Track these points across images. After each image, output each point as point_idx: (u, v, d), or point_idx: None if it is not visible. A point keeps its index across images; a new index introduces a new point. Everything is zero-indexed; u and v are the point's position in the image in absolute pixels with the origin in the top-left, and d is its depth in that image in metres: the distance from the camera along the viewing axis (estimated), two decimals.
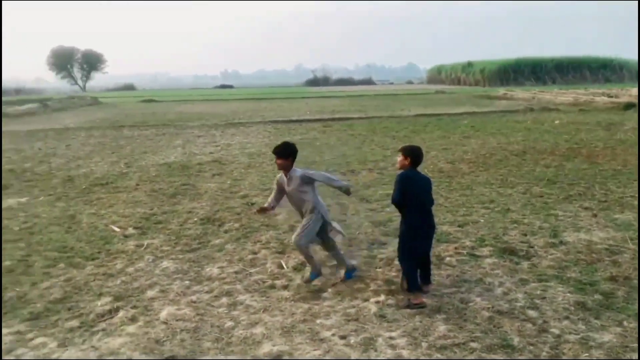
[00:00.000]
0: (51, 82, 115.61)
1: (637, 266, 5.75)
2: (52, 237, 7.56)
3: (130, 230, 7.76)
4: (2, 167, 13.56)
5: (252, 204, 9.05)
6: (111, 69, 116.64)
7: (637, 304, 4.86)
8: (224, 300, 5.23)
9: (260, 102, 44.56)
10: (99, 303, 5.28)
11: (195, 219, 8.29)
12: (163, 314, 4.95)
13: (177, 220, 8.30)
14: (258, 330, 4.56)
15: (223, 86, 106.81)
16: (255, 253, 6.64)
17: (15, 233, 7.78)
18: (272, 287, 5.54)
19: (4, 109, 36.29)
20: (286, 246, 6.75)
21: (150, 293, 5.50)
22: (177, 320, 4.83)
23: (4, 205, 9.60)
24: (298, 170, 5.47)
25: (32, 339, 4.58)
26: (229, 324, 4.71)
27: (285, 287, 5.53)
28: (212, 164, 13.40)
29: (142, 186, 11.00)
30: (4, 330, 4.73)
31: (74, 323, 4.87)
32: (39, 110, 39.61)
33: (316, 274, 5.53)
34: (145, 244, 7.14)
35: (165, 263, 6.38)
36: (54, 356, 4.29)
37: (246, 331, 4.55)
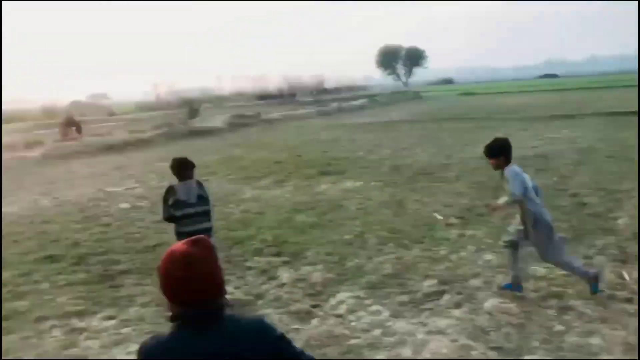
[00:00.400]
0: (377, 78, 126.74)
1: None
2: (382, 218, 8.33)
3: (453, 220, 8.00)
4: (330, 156, 15.50)
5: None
6: (431, 63, 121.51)
7: None
8: (553, 302, 4.96)
9: (592, 91, 40.51)
10: (425, 284, 5.62)
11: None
12: (487, 305, 5.00)
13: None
14: (595, 340, 4.20)
15: (546, 76, 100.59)
16: (589, 258, 6.10)
17: (353, 212, 8.83)
18: (612, 297, 5.00)
19: (341, 104, 41.43)
20: (629, 255, 6.01)
21: (474, 282, 5.60)
22: (502, 312, 4.81)
23: (342, 187, 10.99)
24: (515, 168, 4.91)
25: (369, 305, 5.17)
26: (559, 327, 4.46)
27: (628, 300, 4.92)
28: (535, 159, 12.78)
29: (463, 178, 11.20)
30: (346, 294, 5.45)
31: (404, 298, 5.30)
32: (368, 105, 43.99)
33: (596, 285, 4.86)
34: (467, 234, 7.27)
35: (488, 255, 6.39)
36: (388, 324, 4.75)
37: (580, 339, 4.24)
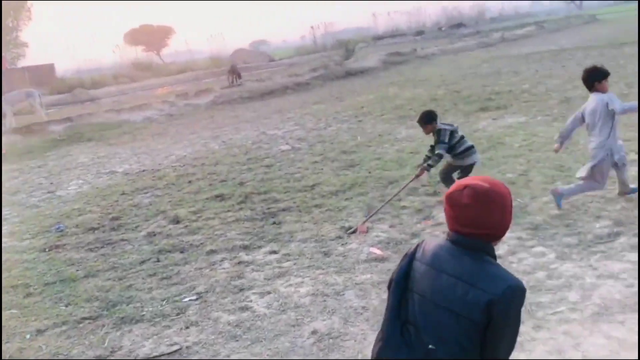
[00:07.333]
0: (547, 4, 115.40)
1: None
2: (550, 155, 7.66)
3: (632, 155, 7.13)
4: (491, 90, 14.47)
5: None
6: None
7: None
8: None
9: None
10: (597, 225, 5.13)
11: None
12: None
13: None
14: None
15: None
16: None
17: (516, 149, 8.27)
18: None
19: (504, 34, 38.60)
20: None
21: None
22: None
23: (503, 123, 10.31)
24: None
25: (532, 247, 4.87)
26: None
27: None
28: None
29: None
30: (507, 234, 5.15)
31: (572, 240, 4.90)
32: (535, 32, 40.45)
33: None
34: None
35: None
36: (553, 266, 4.44)
37: None
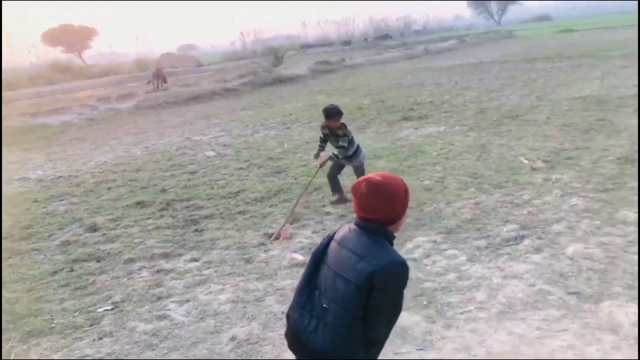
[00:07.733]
0: (468, 18, 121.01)
1: None
2: (465, 163, 8.07)
3: (539, 164, 7.60)
4: (413, 100, 15.01)
5: None
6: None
7: None
8: None
9: None
10: (505, 229, 5.43)
11: (611, 158, 7.53)
12: (569, 250, 4.77)
13: (589, 157, 7.70)
14: None
15: None
16: None
17: (434, 157, 8.60)
18: None
19: (428, 47, 40.03)
20: None
21: (556, 227, 5.35)
22: (584, 258, 4.60)
23: (424, 132, 10.71)
24: None
25: (445, 250, 5.09)
26: None
27: None
28: (635, 98, 11.78)
29: (553, 120, 10.55)
30: (423, 238, 5.38)
31: (482, 243, 5.16)
32: (457, 46, 42.24)
33: None
34: (554, 178, 6.90)
35: (574, 200, 6.06)
36: (464, 268, 4.66)
37: None
